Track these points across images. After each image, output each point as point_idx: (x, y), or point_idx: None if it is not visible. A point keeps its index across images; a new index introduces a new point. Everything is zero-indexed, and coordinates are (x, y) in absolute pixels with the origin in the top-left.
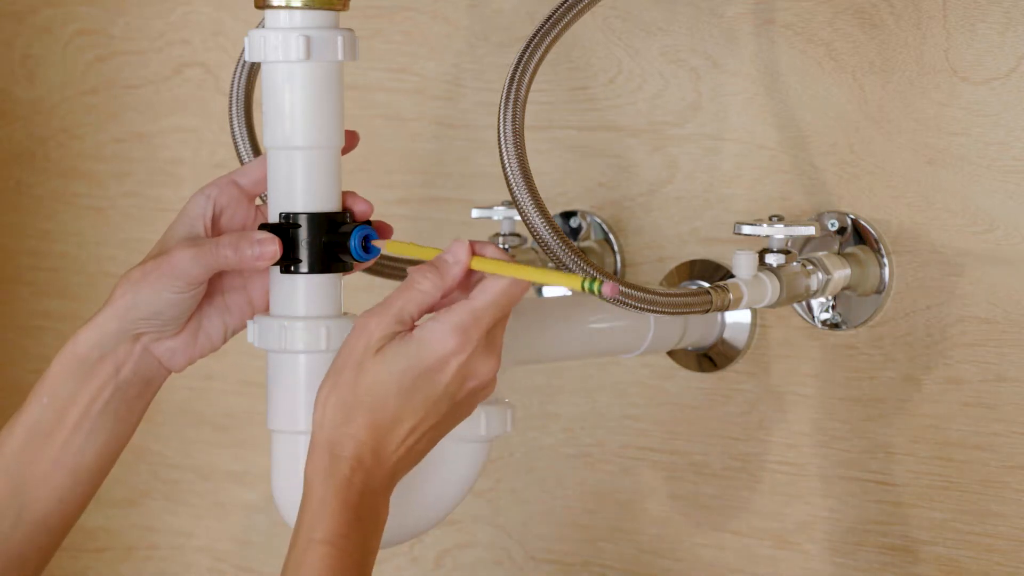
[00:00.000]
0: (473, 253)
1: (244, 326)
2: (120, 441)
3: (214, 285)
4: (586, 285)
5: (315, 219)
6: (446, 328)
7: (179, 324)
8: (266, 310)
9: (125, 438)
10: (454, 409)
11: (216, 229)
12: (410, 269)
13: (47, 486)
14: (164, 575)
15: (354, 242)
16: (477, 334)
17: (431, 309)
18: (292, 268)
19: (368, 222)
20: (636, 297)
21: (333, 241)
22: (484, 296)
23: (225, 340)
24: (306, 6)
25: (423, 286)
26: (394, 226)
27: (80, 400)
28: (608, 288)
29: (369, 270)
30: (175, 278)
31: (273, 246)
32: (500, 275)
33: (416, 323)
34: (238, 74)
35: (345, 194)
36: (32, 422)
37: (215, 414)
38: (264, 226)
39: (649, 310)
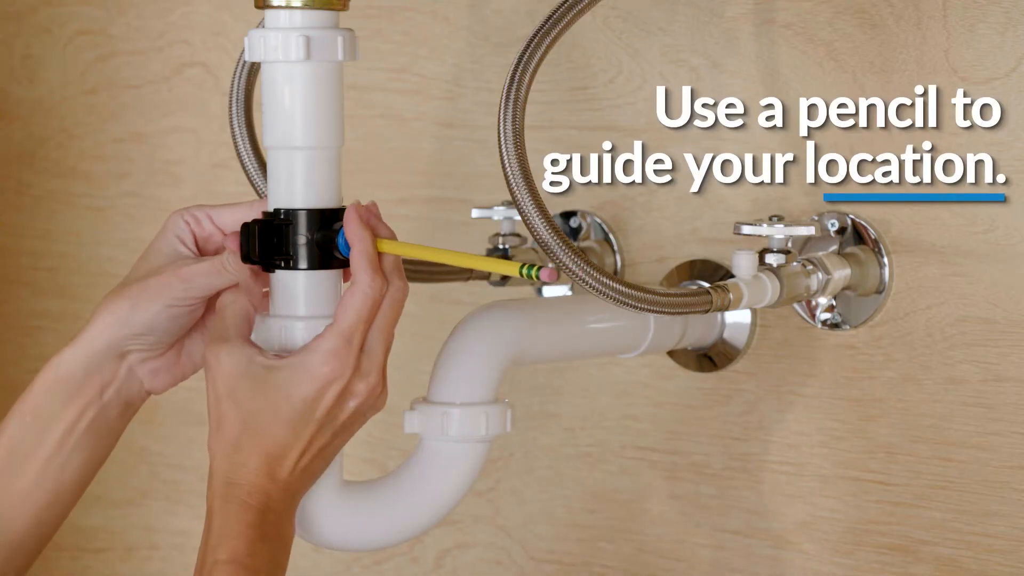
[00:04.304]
0: (374, 233)
1: None
2: (98, 462)
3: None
4: (524, 271)
5: (307, 215)
6: (319, 357)
7: (168, 343)
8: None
9: (102, 459)
10: (341, 430)
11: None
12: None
13: (25, 506)
14: (164, 575)
15: (341, 239)
16: (352, 357)
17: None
18: (284, 264)
19: None
20: (636, 297)
21: (326, 238)
22: (348, 315)
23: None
24: (306, 6)
25: (235, 294)
26: (395, 227)
27: (64, 420)
28: (546, 273)
29: None
30: (188, 289)
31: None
32: (356, 287)
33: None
34: (238, 74)
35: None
36: (13, 441)
37: None
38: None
39: (649, 310)
